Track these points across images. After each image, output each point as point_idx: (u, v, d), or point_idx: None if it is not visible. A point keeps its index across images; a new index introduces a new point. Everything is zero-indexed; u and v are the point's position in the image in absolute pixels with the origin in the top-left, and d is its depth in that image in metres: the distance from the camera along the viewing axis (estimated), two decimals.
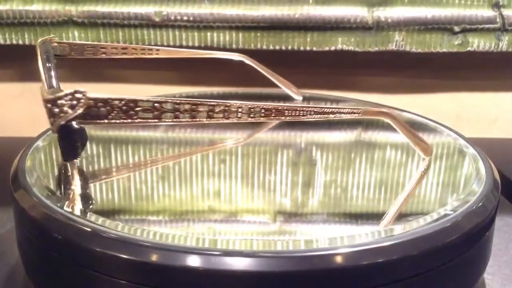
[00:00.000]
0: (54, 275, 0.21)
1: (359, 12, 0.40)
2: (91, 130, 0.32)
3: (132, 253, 0.19)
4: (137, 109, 0.20)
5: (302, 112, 0.22)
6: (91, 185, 0.25)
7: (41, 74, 0.23)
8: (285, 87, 0.37)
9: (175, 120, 0.21)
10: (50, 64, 0.24)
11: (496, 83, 0.46)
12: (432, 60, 0.44)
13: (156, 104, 0.20)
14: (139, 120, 0.20)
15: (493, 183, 0.24)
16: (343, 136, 0.32)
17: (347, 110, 0.23)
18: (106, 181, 0.26)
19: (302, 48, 0.42)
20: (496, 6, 0.41)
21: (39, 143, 0.28)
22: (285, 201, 0.24)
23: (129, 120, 0.20)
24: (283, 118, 0.22)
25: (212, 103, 0.21)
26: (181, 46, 0.41)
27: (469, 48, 0.42)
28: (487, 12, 0.41)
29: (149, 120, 0.20)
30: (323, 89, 0.41)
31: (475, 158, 0.27)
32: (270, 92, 0.40)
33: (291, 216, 0.23)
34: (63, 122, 0.19)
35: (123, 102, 0.20)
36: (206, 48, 0.41)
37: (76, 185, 0.25)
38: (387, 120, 0.25)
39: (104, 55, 0.30)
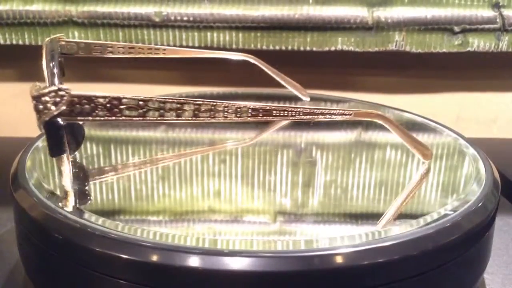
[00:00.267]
0: (54, 275, 0.21)
1: (359, 12, 0.40)
2: (91, 130, 0.32)
3: (132, 253, 0.19)
4: (121, 107, 0.20)
5: (290, 112, 0.22)
6: (91, 185, 0.25)
7: (44, 72, 0.23)
8: (292, 88, 0.37)
9: (160, 118, 0.21)
10: (54, 63, 0.24)
11: (496, 83, 0.46)
12: (432, 60, 0.44)
13: (140, 102, 0.20)
14: (123, 117, 0.20)
15: (493, 183, 0.24)
16: (343, 136, 0.32)
17: (337, 111, 0.23)
18: (108, 181, 0.26)
19: (302, 48, 0.42)
20: (496, 6, 0.41)
21: (39, 143, 0.28)
22: (285, 201, 0.24)
23: (113, 118, 0.20)
24: (270, 118, 0.22)
25: (198, 102, 0.21)
26: (181, 46, 0.41)
27: (469, 48, 0.42)
28: (487, 12, 0.41)
29: (133, 118, 0.20)
30: (322, 89, 0.41)
31: (475, 158, 0.27)
32: (272, 92, 0.40)
33: (291, 216, 0.23)
34: (47, 119, 0.20)
35: (107, 99, 0.20)
36: (206, 48, 0.41)
37: (76, 185, 0.25)
38: (380, 122, 0.25)
39: (111, 54, 0.30)
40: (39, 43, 0.41)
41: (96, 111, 0.20)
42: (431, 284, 0.20)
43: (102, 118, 0.20)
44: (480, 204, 0.23)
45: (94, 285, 0.20)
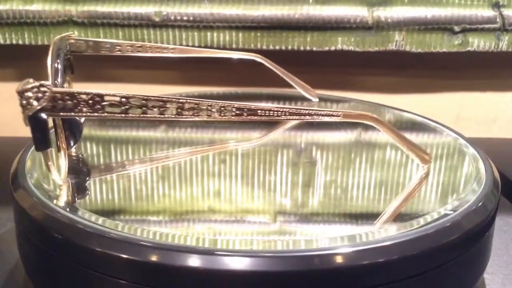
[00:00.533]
0: (54, 274, 0.21)
1: (359, 12, 0.40)
2: (91, 130, 0.32)
3: (132, 253, 0.19)
4: (104, 103, 0.20)
5: (276, 112, 0.22)
6: (92, 185, 0.25)
7: (48, 69, 0.23)
8: (300, 88, 0.36)
9: (142, 116, 0.21)
10: (59, 61, 0.24)
11: (496, 82, 0.46)
12: (432, 60, 0.44)
13: (123, 99, 0.20)
14: (105, 114, 0.21)
15: (493, 183, 0.24)
16: (343, 136, 0.32)
17: (325, 112, 0.23)
18: (108, 181, 0.26)
19: (302, 48, 0.42)
20: (496, 6, 0.41)
21: None
22: (285, 201, 0.24)
23: (96, 114, 0.20)
24: (255, 118, 0.22)
25: (181, 100, 0.21)
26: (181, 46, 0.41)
27: (469, 48, 0.42)
28: (487, 12, 0.41)
29: (116, 115, 0.21)
30: (322, 88, 0.41)
31: (475, 158, 0.27)
32: (274, 92, 0.40)
33: (291, 216, 0.23)
34: (30, 114, 0.20)
35: (89, 96, 0.20)
36: (206, 47, 0.41)
37: (76, 185, 0.25)
38: (373, 124, 0.25)
39: (119, 52, 0.30)
40: (39, 43, 0.41)
41: (79, 107, 0.20)
42: (431, 284, 0.20)
43: (85, 114, 0.21)
44: (480, 204, 0.23)
45: (94, 284, 0.20)
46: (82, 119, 0.30)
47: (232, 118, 0.22)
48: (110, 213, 0.23)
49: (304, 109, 0.23)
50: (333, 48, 0.41)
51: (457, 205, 0.22)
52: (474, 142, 0.29)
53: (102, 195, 0.24)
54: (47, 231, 0.21)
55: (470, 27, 0.41)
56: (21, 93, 0.20)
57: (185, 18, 0.40)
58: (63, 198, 0.23)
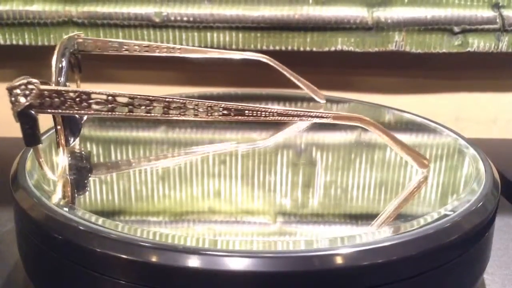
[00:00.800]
0: (54, 275, 0.21)
1: (359, 13, 0.40)
2: (93, 130, 0.32)
3: (132, 253, 0.19)
4: (90, 101, 0.21)
5: (263, 113, 0.22)
6: (92, 185, 0.25)
7: (52, 68, 0.24)
8: (307, 89, 0.36)
9: (129, 114, 0.21)
10: (64, 59, 0.25)
11: (496, 83, 0.46)
12: (432, 60, 0.44)
13: (109, 98, 0.21)
14: (92, 112, 0.21)
15: (493, 183, 0.24)
16: (343, 137, 0.32)
17: (314, 114, 0.23)
18: (109, 181, 0.26)
19: (302, 49, 0.42)
20: (496, 6, 0.41)
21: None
22: (285, 201, 0.24)
23: (83, 112, 0.21)
24: (243, 118, 0.22)
25: (167, 99, 0.21)
26: None
27: (469, 49, 0.42)
28: (487, 13, 0.41)
29: (102, 113, 0.21)
30: (322, 89, 0.41)
31: (475, 158, 0.27)
32: (276, 93, 0.40)
33: (291, 216, 0.23)
34: (18, 110, 0.21)
35: (76, 94, 0.21)
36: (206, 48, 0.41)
37: (76, 185, 0.25)
38: (364, 127, 0.24)
39: (127, 52, 0.30)
40: (39, 43, 0.41)
41: (66, 105, 0.21)
42: (431, 285, 0.20)
43: (72, 112, 0.21)
44: (480, 204, 0.23)
45: (94, 285, 0.20)
46: (85, 117, 0.30)
47: (219, 118, 0.22)
48: (110, 213, 0.23)
49: (292, 110, 0.22)
50: (333, 48, 0.41)
51: (456, 206, 0.22)
52: (474, 143, 0.29)
53: (102, 195, 0.24)
54: (47, 231, 0.21)
55: (470, 27, 0.41)
56: (10, 90, 0.21)
57: (185, 18, 0.40)
58: (63, 198, 0.23)
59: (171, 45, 0.33)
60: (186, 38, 0.41)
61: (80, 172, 0.27)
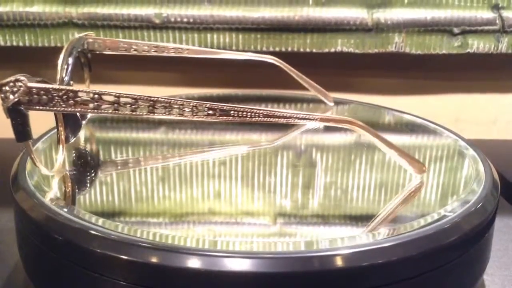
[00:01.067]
0: (54, 276, 0.21)
1: (358, 14, 0.40)
2: (95, 130, 0.32)
3: (132, 254, 0.19)
4: (77, 99, 0.21)
5: (249, 114, 0.22)
6: (92, 186, 0.25)
7: (58, 66, 0.25)
8: (316, 92, 0.36)
9: (114, 112, 0.21)
10: (70, 59, 0.25)
11: (496, 84, 0.46)
12: (432, 61, 0.44)
13: (95, 96, 0.21)
14: (79, 109, 0.21)
15: (492, 184, 0.24)
16: (343, 138, 0.32)
17: (301, 116, 0.23)
18: (111, 182, 0.26)
19: (301, 50, 0.42)
20: (496, 8, 0.41)
21: (39, 144, 0.28)
22: (284, 202, 0.24)
23: (69, 109, 0.21)
24: (228, 118, 0.22)
25: (152, 98, 0.21)
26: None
27: (468, 50, 0.42)
28: (487, 14, 0.41)
29: (88, 110, 0.22)
30: None
31: (474, 159, 0.27)
32: (276, 95, 0.40)
33: (291, 217, 0.23)
34: (7, 106, 0.21)
35: (63, 91, 0.21)
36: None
37: (77, 186, 0.25)
38: (356, 129, 0.24)
39: (135, 52, 0.31)
40: (39, 44, 0.41)
41: (53, 102, 0.21)
42: (431, 285, 0.20)
43: (59, 109, 0.21)
44: (479, 205, 0.23)
45: (94, 286, 0.20)
46: (88, 115, 0.30)
47: (205, 118, 0.22)
48: (110, 214, 0.23)
49: (278, 112, 0.22)
50: (332, 49, 0.41)
51: (456, 207, 0.22)
52: (474, 144, 0.29)
53: (102, 196, 0.24)
54: (47, 232, 0.21)
55: (470, 29, 0.41)
56: (0, 87, 0.21)
57: (185, 20, 0.41)
58: (63, 199, 0.23)
59: (178, 45, 0.33)
60: (186, 39, 0.41)
61: (80, 171, 0.27)
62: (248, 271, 0.18)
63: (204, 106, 0.22)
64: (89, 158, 0.29)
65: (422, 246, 0.20)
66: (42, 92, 0.21)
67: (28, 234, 0.22)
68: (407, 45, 0.41)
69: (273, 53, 0.41)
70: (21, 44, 0.41)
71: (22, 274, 0.24)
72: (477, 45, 0.41)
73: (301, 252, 0.19)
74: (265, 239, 0.21)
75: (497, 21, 0.41)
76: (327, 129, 0.32)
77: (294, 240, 0.21)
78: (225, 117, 0.22)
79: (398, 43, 0.41)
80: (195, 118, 0.22)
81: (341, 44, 0.41)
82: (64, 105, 0.21)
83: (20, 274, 0.25)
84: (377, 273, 0.19)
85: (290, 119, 0.22)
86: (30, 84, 0.21)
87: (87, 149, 0.30)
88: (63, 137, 0.25)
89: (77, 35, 0.28)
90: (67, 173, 0.26)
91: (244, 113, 0.22)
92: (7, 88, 0.21)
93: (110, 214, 0.23)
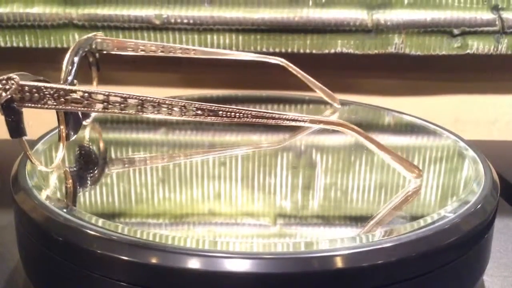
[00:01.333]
0: (54, 276, 0.21)
1: (358, 15, 0.41)
2: (97, 131, 0.32)
3: (133, 255, 0.19)
4: (68, 98, 0.22)
5: (238, 114, 0.22)
6: (92, 186, 0.25)
7: (63, 65, 0.25)
8: (323, 94, 0.36)
9: (103, 111, 0.22)
10: (76, 58, 0.26)
11: (496, 85, 0.46)
12: (432, 62, 0.44)
13: (85, 94, 0.22)
14: (69, 107, 0.22)
15: (492, 185, 0.24)
16: (342, 139, 0.32)
17: (290, 117, 0.23)
18: (112, 183, 0.26)
19: (301, 51, 0.42)
20: (495, 9, 0.41)
21: (40, 145, 0.28)
22: (285, 203, 0.24)
23: (60, 107, 0.22)
24: (217, 119, 0.22)
25: (141, 97, 0.22)
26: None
27: (468, 51, 0.42)
28: (487, 15, 0.41)
29: (78, 109, 0.22)
30: None
31: (474, 160, 0.27)
32: (277, 96, 0.40)
33: (291, 218, 0.23)
34: (0, 103, 0.22)
35: (54, 90, 0.21)
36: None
37: (77, 187, 0.25)
38: (346, 131, 0.24)
39: (143, 52, 0.31)
40: (40, 45, 0.41)
41: (44, 100, 0.22)
42: (430, 286, 0.20)
43: (50, 107, 0.22)
44: (479, 206, 0.23)
45: (93, 286, 0.20)
46: (92, 115, 0.31)
47: (194, 118, 0.22)
48: (110, 214, 0.23)
49: (267, 112, 0.22)
50: (332, 50, 0.42)
51: (456, 207, 0.22)
52: (474, 145, 0.29)
53: (102, 196, 0.24)
54: (48, 233, 0.21)
55: (470, 30, 0.41)
56: None
57: (185, 21, 0.41)
58: (63, 200, 0.23)
59: (186, 46, 0.33)
60: (186, 40, 0.41)
61: (80, 171, 0.27)
62: (248, 272, 0.18)
63: (192, 106, 0.22)
64: (89, 158, 0.29)
65: (421, 247, 0.20)
66: (34, 90, 0.21)
67: (28, 235, 0.22)
68: (407, 46, 0.41)
69: (273, 54, 0.41)
70: (21, 45, 0.41)
71: (22, 275, 0.24)
72: (477, 46, 0.41)
73: (301, 252, 0.19)
74: (265, 239, 0.21)
75: (497, 22, 0.41)
76: (334, 131, 0.32)
77: (294, 240, 0.21)
78: (213, 117, 0.22)
79: (398, 44, 0.41)
80: (184, 118, 0.22)
81: (341, 45, 0.41)
82: (55, 103, 0.22)
83: (20, 275, 0.25)
84: (377, 273, 0.19)
85: (279, 120, 0.23)
86: (22, 82, 0.21)
87: (87, 149, 0.30)
88: (64, 134, 0.25)
89: (77, 36, 0.28)
90: (67, 170, 0.26)
91: (233, 113, 0.22)
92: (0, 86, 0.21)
93: (110, 215, 0.23)
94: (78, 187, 0.25)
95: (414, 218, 0.22)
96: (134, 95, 0.22)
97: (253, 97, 0.40)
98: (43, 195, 0.23)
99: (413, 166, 0.25)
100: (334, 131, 0.30)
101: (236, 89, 0.45)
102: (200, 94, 0.42)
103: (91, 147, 0.30)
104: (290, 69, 0.35)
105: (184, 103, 0.22)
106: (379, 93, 0.45)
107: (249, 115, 0.22)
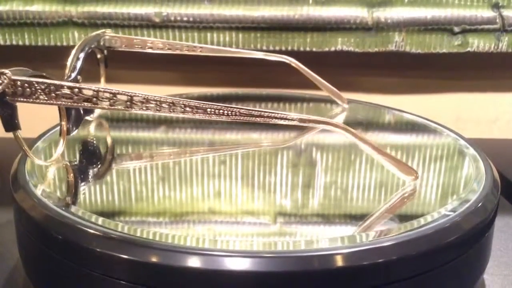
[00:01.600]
0: (54, 275, 0.21)
1: (359, 13, 0.40)
2: (99, 129, 0.32)
3: (132, 253, 0.19)
4: (58, 93, 0.22)
5: (226, 112, 0.22)
6: (92, 185, 0.25)
7: (68, 61, 0.25)
8: (329, 92, 0.36)
9: (93, 106, 0.22)
10: (82, 54, 0.26)
11: (496, 83, 0.46)
12: (432, 60, 0.44)
13: (75, 90, 0.22)
14: (61, 102, 0.22)
15: (493, 183, 0.24)
16: (342, 137, 0.32)
17: (279, 115, 0.23)
18: (112, 182, 0.26)
19: (302, 49, 0.42)
20: (496, 6, 0.41)
21: (39, 144, 0.28)
22: (285, 202, 0.24)
23: (52, 102, 0.22)
24: (205, 116, 0.22)
25: (130, 93, 0.22)
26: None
27: (469, 49, 0.42)
28: (487, 13, 0.41)
29: (69, 104, 0.22)
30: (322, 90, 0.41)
31: (475, 158, 0.27)
32: (277, 94, 0.40)
33: (291, 217, 0.23)
34: None
35: (45, 85, 0.22)
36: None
37: (76, 185, 0.25)
38: (331, 130, 0.24)
39: (150, 49, 0.32)
40: (39, 43, 0.41)
41: (36, 95, 0.22)
42: (431, 285, 0.20)
43: (41, 102, 0.22)
44: (479, 204, 0.23)
45: (94, 285, 0.20)
46: (96, 111, 0.31)
47: (181, 115, 0.22)
48: (110, 213, 0.23)
49: (255, 110, 0.22)
50: (333, 48, 0.41)
51: (456, 206, 0.22)
52: (474, 143, 0.29)
53: (102, 195, 0.24)
54: (47, 231, 0.21)
55: (470, 27, 0.41)
56: None
57: (185, 18, 0.41)
58: (63, 198, 0.23)
59: (193, 44, 0.33)
60: (186, 38, 0.41)
61: (80, 169, 0.27)
62: (248, 270, 0.18)
63: (181, 103, 0.22)
64: (89, 156, 0.29)
65: (422, 246, 0.20)
66: (25, 85, 0.22)
67: (28, 234, 0.22)
68: (407, 44, 0.41)
69: (273, 52, 0.41)
70: (21, 43, 0.41)
71: (22, 274, 0.24)
72: (477, 44, 0.41)
73: (301, 251, 0.19)
74: (265, 238, 0.21)
75: (497, 20, 0.41)
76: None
77: (294, 239, 0.21)
78: (202, 114, 0.22)
79: (398, 42, 0.41)
80: (172, 114, 0.22)
81: (341, 43, 0.41)
82: (46, 98, 0.22)
83: (20, 274, 0.25)
84: (377, 272, 0.19)
85: (267, 119, 0.23)
86: (14, 77, 0.22)
87: (87, 146, 0.30)
88: (64, 129, 0.25)
89: (76, 34, 0.28)
90: (67, 168, 0.26)
91: (221, 110, 0.22)
92: None
93: (110, 213, 0.23)
94: (78, 186, 0.25)
95: (414, 216, 0.22)
96: (123, 91, 0.22)
97: (253, 95, 0.40)
98: (42, 194, 0.23)
99: (406, 166, 0.25)
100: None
101: (239, 87, 0.45)
102: (200, 92, 0.42)
103: (91, 144, 0.30)
104: (298, 68, 0.34)
105: (172, 99, 0.22)
106: (380, 91, 0.45)
107: (238, 113, 0.22)
